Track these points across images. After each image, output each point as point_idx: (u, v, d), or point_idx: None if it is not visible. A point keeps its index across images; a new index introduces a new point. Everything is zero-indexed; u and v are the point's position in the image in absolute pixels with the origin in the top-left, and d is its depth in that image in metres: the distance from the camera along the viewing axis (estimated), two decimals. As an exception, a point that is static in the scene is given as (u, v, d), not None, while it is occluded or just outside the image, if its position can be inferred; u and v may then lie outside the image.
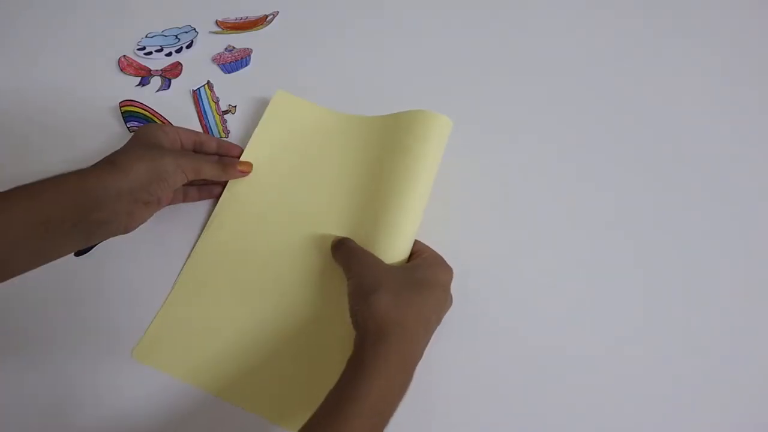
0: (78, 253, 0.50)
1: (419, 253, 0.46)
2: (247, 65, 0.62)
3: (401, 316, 0.39)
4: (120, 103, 0.58)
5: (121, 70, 0.62)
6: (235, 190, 0.52)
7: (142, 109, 0.58)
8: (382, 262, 0.45)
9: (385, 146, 0.52)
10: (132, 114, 0.58)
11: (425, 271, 0.43)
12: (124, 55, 0.63)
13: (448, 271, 0.44)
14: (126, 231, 0.43)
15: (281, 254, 0.49)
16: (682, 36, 0.63)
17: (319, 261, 0.49)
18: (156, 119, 0.57)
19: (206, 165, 0.47)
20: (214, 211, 0.52)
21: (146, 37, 0.64)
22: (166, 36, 0.65)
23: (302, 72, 0.61)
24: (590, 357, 0.45)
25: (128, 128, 0.57)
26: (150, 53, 0.63)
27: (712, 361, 0.44)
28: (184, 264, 0.49)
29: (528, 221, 0.51)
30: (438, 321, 0.42)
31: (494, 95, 0.59)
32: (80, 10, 0.67)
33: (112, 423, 0.43)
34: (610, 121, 0.57)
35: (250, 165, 0.51)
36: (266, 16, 0.66)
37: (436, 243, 0.49)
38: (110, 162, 0.41)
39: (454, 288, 0.45)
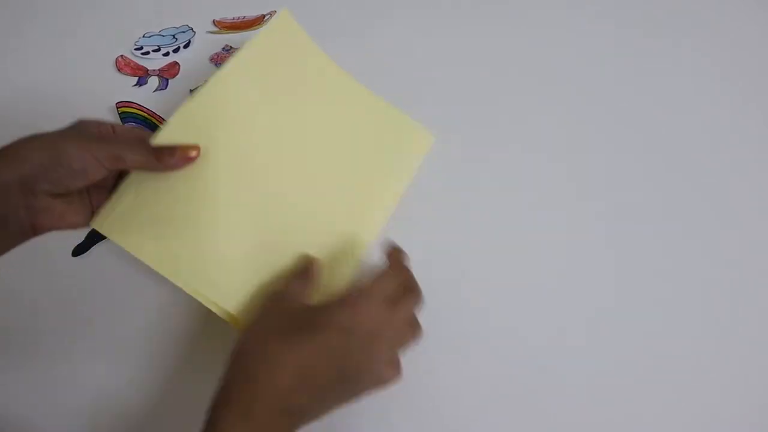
0: (75, 254, 0.50)
1: (350, 291, 0.38)
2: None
3: (252, 360, 0.35)
4: (117, 104, 0.58)
5: (119, 70, 0.62)
6: (216, 90, 0.45)
7: (139, 110, 0.58)
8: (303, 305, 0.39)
9: (368, 131, 0.52)
10: (130, 115, 0.58)
11: (322, 313, 0.36)
12: (122, 55, 0.63)
13: (352, 312, 0.36)
14: (35, 230, 0.38)
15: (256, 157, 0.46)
16: (681, 38, 0.64)
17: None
18: (154, 120, 0.57)
19: (130, 150, 0.38)
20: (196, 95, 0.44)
21: (143, 37, 0.64)
22: (163, 36, 0.65)
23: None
24: (581, 356, 0.45)
25: None
26: (147, 53, 0.63)
27: (707, 359, 0.45)
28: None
29: (520, 222, 0.51)
30: (339, 369, 0.35)
31: (491, 95, 0.59)
32: (78, 10, 0.67)
33: (106, 420, 0.43)
34: (603, 122, 0.57)
35: (196, 149, 0.40)
36: (263, 16, 0.66)
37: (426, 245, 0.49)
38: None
39: (445, 290, 0.45)
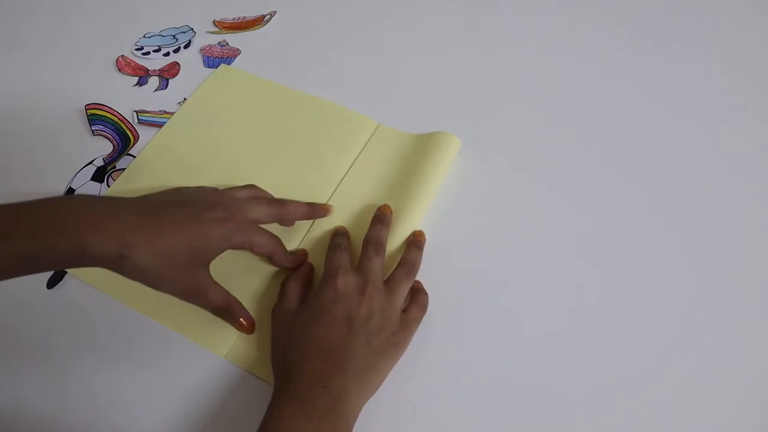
0: (49, 286, 0.47)
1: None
2: (229, 65, 0.62)
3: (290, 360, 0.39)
4: (86, 106, 0.58)
5: (119, 69, 0.62)
6: (162, 141, 0.56)
7: (109, 113, 0.58)
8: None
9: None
10: (99, 118, 0.57)
11: (314, 301, 0.42)
12: (122, 55, 0.63)
13: (333, 285, 0.41)
14: None
15: None
16: (683, 45, 0.63)
17: None
18: (123, 125, 0.57)
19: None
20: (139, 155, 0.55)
21: (144, 37, 0.65)
22: (164, 36, 0.65)
23: (299, 72, 0.61)
24: (587, 354, 0.44)
25: (92, 131, 0.56)
26: (148, 53, 0.63)
27: (707, 359, 0.43)
28: None
29: (521, 228, 0.50)
30: (348, 322, 0.39)
31: (491, 102, 0.58)
32: (79, 11, 0.68)
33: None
34: (613, 127, 0.56)
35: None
36: (263, 16, 0.67)
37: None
38: (121, 261, 0.36)
39: (455, 285, 0.45)
